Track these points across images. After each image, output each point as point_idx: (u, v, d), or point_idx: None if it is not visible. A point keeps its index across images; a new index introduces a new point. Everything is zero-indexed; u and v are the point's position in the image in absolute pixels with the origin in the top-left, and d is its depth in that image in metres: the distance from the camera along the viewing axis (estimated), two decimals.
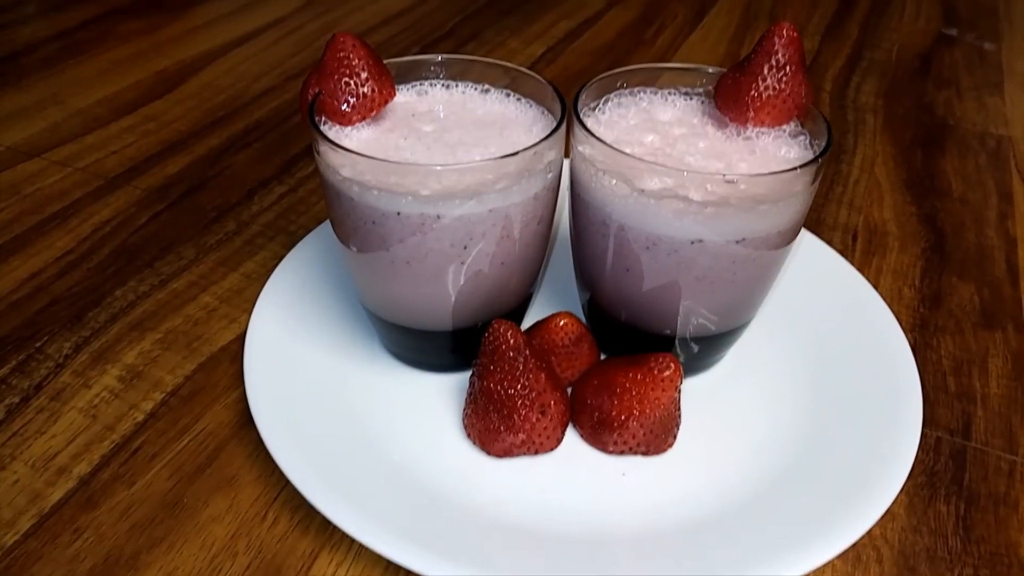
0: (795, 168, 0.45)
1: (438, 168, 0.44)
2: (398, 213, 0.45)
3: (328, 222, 0.58)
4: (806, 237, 0.65)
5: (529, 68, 0.53)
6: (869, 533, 0.47)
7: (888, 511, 0.48)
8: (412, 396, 0.54)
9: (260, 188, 0.75)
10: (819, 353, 0.56)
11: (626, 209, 0.47)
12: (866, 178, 0.80)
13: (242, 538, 0.46)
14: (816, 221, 0.73)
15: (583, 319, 0.56)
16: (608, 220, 0.48)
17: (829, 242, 0.70)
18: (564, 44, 1.03)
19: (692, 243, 0.46)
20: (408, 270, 0.48)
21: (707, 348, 0.54)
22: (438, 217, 0.45)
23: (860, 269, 0.67)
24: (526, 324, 0.57)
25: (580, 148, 0.49)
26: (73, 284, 0.63)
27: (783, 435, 0.52)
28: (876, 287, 0.65)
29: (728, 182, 0.44)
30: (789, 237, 0.48)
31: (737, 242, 0.46)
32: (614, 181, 0.46)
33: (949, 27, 1.14)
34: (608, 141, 0.50)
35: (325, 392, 0.52)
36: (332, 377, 0.53)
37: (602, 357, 0.57)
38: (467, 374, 0.51)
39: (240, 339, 0.58)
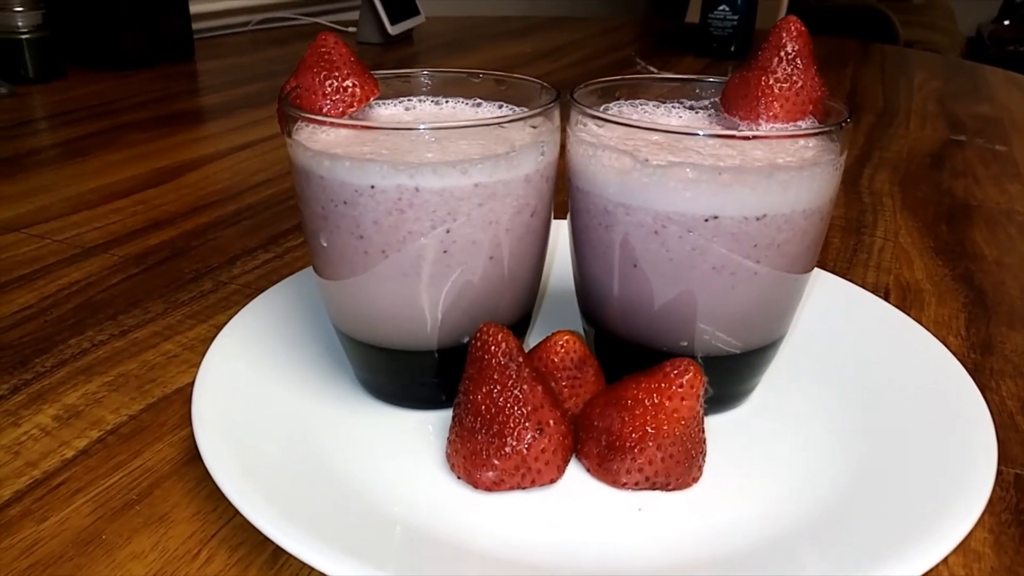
0: (817, 130, 0.40)
1: (418, 129, 0.40)
2: (372, 187, 0.40)
3: (308, 270, 0.53)
4: (834, 280, 0.59)
5: None
6: (952, 575, 0.38)
7: (971, 550, 0.39)
8: (388, 432, 0.46)
9: (244, 255, 0.70)
10: (860, 383, 0.49)
11: (630, 186, 0.41)
12: (891, 246, 0.75)
13: None
14: None
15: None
16: (611, 206, 0.43)
17: None
18: None
19: (706, 220, 0.40)
20: (384, 264, 0.42)
21: (733, 373, 0.47)
22: (416, 190, 0.40)
23: None
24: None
25: (578, 135, 0.45)
26: (25, 334, 0.57)
27: (829, 468, 0.43)
28: None
29: (745, 138, 0.39)
30: (816, 223, 0.43)
31: (758, 219, 0.40)
32: (616, 156, 0.42)
33: (957, 134, 1.13)
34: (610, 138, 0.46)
35: (286, 424, 0.45)
36: (296, 410, 0.46)
37: None
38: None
39: None
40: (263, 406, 0.45)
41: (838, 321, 0.54)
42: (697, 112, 0.51)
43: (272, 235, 0.75)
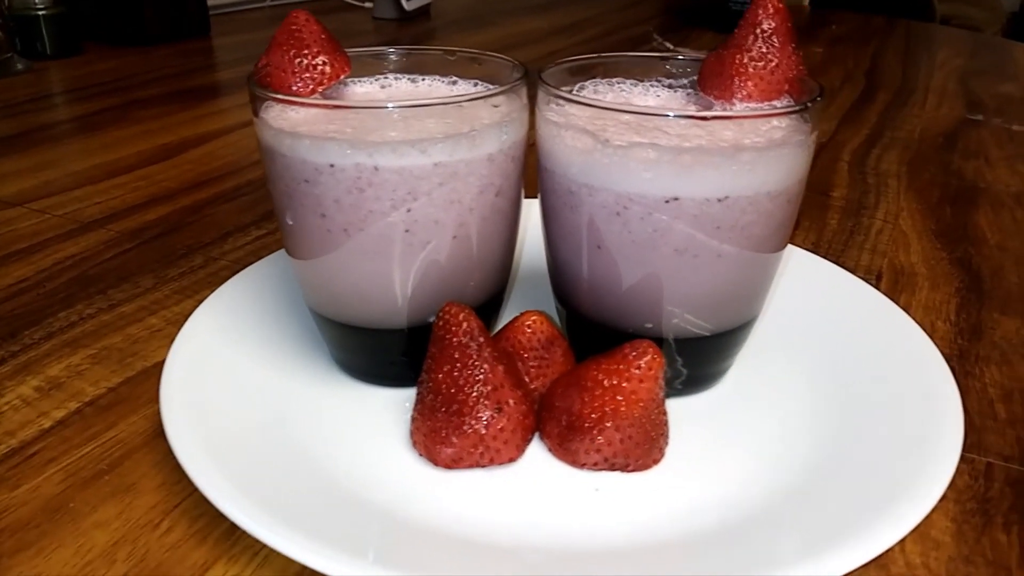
0: (783, 110, 0.39)
1: (376, 109, 0.40)
2: (331, 166, 0.40)
3: None
4: (820, 262, 0.58)
5: None
6: (908, 562, 0.37)
7: (931, 538, 0.38)
8: (356, 408, 0.47)
9: (236, 231, 0.71)
10: (835, 370, 0.48)
11: (592, 167, 0.41)
12: (890, 228, 0.73)
13: (126, 545, 0.38)
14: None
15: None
16: (575, 186, 0.42)
17: None
18: None
19: (667, 202, 0.40)
20: (348, 242, 0.42)
21: (703, 355, 0.47)
22: (375, 169, 0.40)
23: None
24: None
25: (544, 115, 0.44)
26: (17, 307, 0.58)
27: (794, 450, 0.43)
28: None
29: (703, 119, 0.38)
30: (782, 205, 0.42)
31: (719, 200, 0.40)
32: (578, 135, 0.41)
33: (974, 113, 1.10)
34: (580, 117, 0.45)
35: (256, 400, 0.45)
36: (267, 386, 0.47)
37: None
38: None
39: None
40: (234, 382, 0.46)
41: (819, 304, 0.54)
42: (675, 91, 0.50)
43: (266, 212, 0.75)
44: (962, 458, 0.39)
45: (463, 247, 0.44)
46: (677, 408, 0.45)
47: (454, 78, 0.51)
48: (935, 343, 0.49)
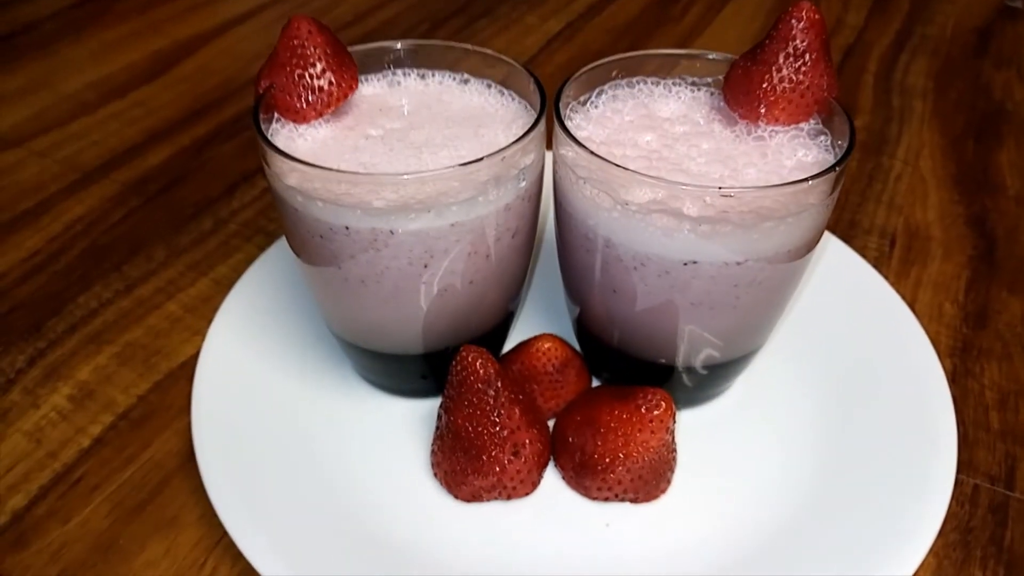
0: (805, 180, 0.38)
1: (390, 177, 0.38)
2: (346, 228, 0.39)
3: None
4: (833, 244, 0.58)
5: (545, 46, 0.46)
6: None
7: None
8: (379, 425, 0.49)
9: (243, 182, 0.70)
10: (839, 382, 0.50)
11: (610, 224, 0.40)
12: (909, 173, 0.72)
13: None
14: (850, 223, 0.65)
15: (572, 339, 0.50)
16: (592, 235, 0.42)
17: (863, 248, 0.62)
18: (583, 20, 0.96)
19: (685, 264, 0.40)
20: (364, 290, 0.42)
21: (711, 377, 0.48)
22: (391, 233, 0.39)
23: (897, 280, 0.59)
24: (510, 344, 0.51)
25: (562, 151, 0.43)
26: (36, 289, 0.59)
27: (793, 481, 0.45)
28: (914, 301, 0.58)
29: (725, 196, 0.37)
30: (802, 254, 0.42)
31: (738, 263, 0.39)
32: (597, 192, 0.40)
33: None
34: (598, 140, 0.44)
35: (281, 422, 0.47)
36: (291, 404, 0.48)
37: (594, 383, 0.51)
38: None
39: None
40: (258, 404, 0.47)
41: (826, 303, 0.54)
42: (699, 91, 0.48)
43: None
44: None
45: (479, 288, 0.44)
46: (681, 421, 0.47)
47: (465, 76, 0.48)
48: (941, 330, 0.51)
